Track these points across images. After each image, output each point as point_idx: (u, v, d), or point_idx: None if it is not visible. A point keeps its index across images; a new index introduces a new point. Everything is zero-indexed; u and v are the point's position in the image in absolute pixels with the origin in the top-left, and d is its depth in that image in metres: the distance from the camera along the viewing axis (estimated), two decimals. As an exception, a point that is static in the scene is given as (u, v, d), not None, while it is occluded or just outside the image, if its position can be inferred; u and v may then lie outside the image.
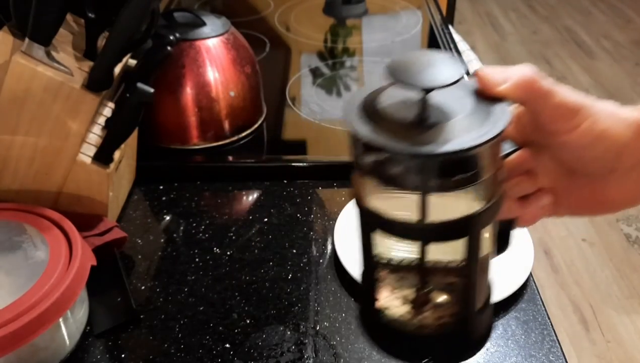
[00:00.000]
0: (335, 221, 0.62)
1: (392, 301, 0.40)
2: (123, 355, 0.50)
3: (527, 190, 0.39)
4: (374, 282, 0.38)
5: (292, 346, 0.50)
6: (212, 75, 0.71)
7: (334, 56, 1.00)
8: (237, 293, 0.55)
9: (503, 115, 0.32)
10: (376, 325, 0.40)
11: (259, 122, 0.78)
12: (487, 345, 0.50)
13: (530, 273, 0.56)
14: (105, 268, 0.54)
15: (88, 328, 0.51)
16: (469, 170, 0.33)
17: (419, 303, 0.40)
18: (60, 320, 0.47)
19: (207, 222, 0.64)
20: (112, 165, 0.58)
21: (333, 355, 0.49)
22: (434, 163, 0.32)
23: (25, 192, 0.57)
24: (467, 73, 0.33)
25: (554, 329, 0.51)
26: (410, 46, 1.02)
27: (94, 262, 0.50)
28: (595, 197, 0.39)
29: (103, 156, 0.57)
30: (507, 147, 0.38)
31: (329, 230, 0.63)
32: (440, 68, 0.32)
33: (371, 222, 0.36)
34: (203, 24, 0.72)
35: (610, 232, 1.82)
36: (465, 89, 0.34)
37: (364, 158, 0.34)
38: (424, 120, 0.32)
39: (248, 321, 0.52)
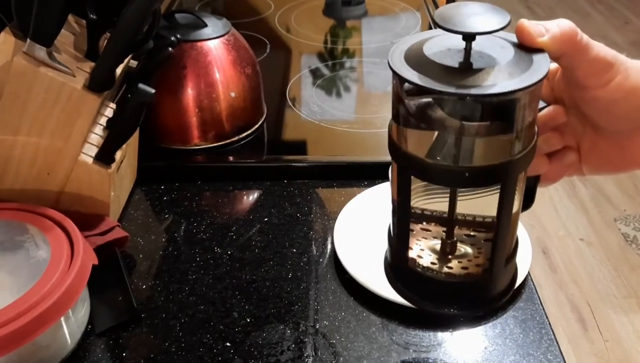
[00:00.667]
0: (335, 221, 0.62)
1: (420, 251, 0.42)
2: (124, 354, 0.50)
3: (555, 146, 0.41)
4: (407, 231, 0.40)
5: (292, 344, 0.50)
6: (213, 76, 0.71)
7: (334, 57, 1.00)
8: (237, 292, 0.56)
9: (543, 63, 0.34)
10: (407, 273, 0.41)
11: (260, 123, 0.79)
12: (486, 343, 0.50)
13: (529, 272, 0.56)
14: (106, 267, 0.55)
15: (89, 327, 0.52)
16: (509, 114, 0.34)
17: (445, 253, 0.41)
18: (62, 319, 0.47)
19: (208, 221, 0.65)
20: (113, 165, 0.58)
21: (332, 353, 0.50)
22: (476, 104, 0.34)
23: (27, 192, 0.57)
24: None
25: (552, 328, 0.52)
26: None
27: (96, 261, 0.51)
28: (620, 154, 0.40)
29: (105, 156, 0.57)
30: (539, 104, 0.39)
31: (328, 230, 0.63)
32: (485, 17, 0.33)
33: (408, 167, 0.37)
34: (204, 25, 0.73)
35: (608, 232, 1.83)
36: (507, 40, 0.36)
37: (407, 102, 0.35)
38: (468, 66, 0.33)
39: (248, 320, 0.53)
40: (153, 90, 0.55)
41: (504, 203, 0.37)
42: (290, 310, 0.54)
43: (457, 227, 0.42)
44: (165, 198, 0.68)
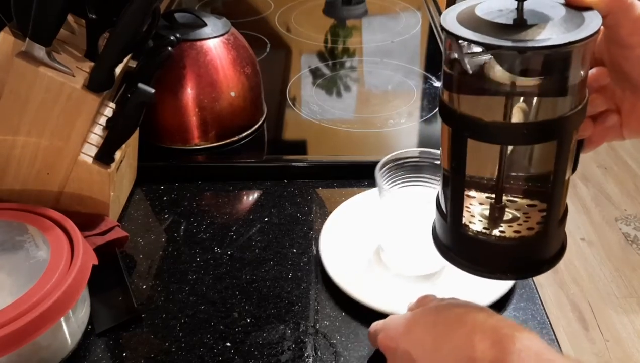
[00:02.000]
0: (335, 221, 0.62)
1: (471, 217, 0.42)
2: (124, 354, 0.50)
3: (599, 108, 0.42)
4: (462, 197, 0.40)
5: (292, 345, 0.50)
6: (213, 75, 0.71)
7: (334, 57, 1.00)
8: (237, 292, 0.55)
9: (595, 19, 0.35)
10: (459, 241, 0.42)
11: (260, 122, 0.79)
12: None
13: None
14: (106, 267, 0.55)
15: (89, 327, 0.52)
16: (564, 69, 0.36)
17: (494, 218, 0.42)
18: (62, 319, 0.47)
19: (208, 221, 0.65)
20: (113, 165, 0.58)
21: (333, 353, 0.50)
22: (532, 60, 0.35)
23: (27, 192, 0.57)
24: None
25: (552, 328, 0.52)
26: (410, 47, 1.03)
27: (96, 261, 0.51)
28: None
29: (104, 156, 0.57)
30: None
31: (329, 230, 0.63)
32: None
33: (464, 129, 0.38)
34: (204, 24, 0.73)
35: (609, 232, 1.83)
36: (556, 1, 0.37)
37: (463, 62, 0.36)
38: (523, 23, 0.34)
39: (248, 320, 0.53)
40: (153, 90, 0.55)
41: (561, 160, 0.38)
42: (291, 310, 0.54)
43: (508, 192, 0.42)
44: (165, 198, 0.68)
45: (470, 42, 0.34)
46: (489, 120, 0.37)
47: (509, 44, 0.33)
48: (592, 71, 0.41)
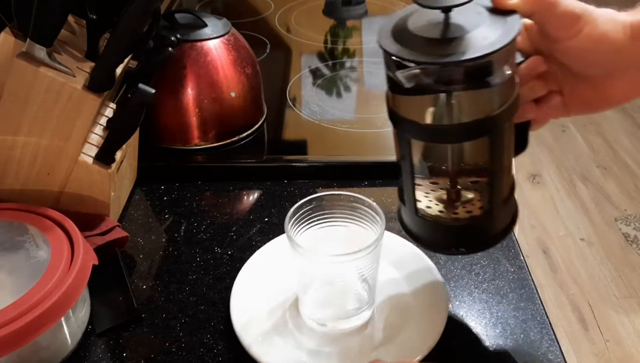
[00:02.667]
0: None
1: (429, 201, 0.46)
2: (124, 354, 0.50)
3: (539, 93, 0.45)
4: (413, 186, 0.44)
5: (293, 345, 0.50)
6: (213, 76, 0.71)
7: (334, 57, 1.00)
8: (237, 293, 0.55)
9: (515, 25, 0.38)
10: (418, 223, 0.46)
11: (260, 122, 0.79)
12: (486, 343, 0.50)
13: (529, 272, 0.56)
14: (106, 267, 0.55)
15: (90, 327, 0.52)
16: (488, 73, 0.39)
17: (451, 201, 0.46)
18: (62, 319, 0.47)
19: (208, 221, 0.65)
20: (113, 165, 0.58)
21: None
22: (458, 69, 0.38)
23: (28, 192, 0.57)
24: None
25: (552, 328, 0.52)
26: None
27: (96, 262, 0.51)
28: (598, 96, 0.44)
29: (105, 156, 0.57)
30: (518, 57, 0.43)
31: (329, 230, 0.63)
32: None
33: (406, 131, 0.42)
34: (204, 25, 0.73)
35: (609, 232, 1.83)
36: (482, 6, 0.40)
37: (397, 73, 0.40)
38: (447, 36, 0.38)
39: (249, 320, 0.53)
40: (153, 90, 0.55)
41: (494, 152, 0.41)
42: (291, 310, 0.53)
43: (460, 176, 0.46)
44: (165, 198, 0.68)
45: (398, 57, 0.37)
46: (426, 123, 0.41)
47: (431, 59, 0.36)
48: (529, 61, 0.43)
